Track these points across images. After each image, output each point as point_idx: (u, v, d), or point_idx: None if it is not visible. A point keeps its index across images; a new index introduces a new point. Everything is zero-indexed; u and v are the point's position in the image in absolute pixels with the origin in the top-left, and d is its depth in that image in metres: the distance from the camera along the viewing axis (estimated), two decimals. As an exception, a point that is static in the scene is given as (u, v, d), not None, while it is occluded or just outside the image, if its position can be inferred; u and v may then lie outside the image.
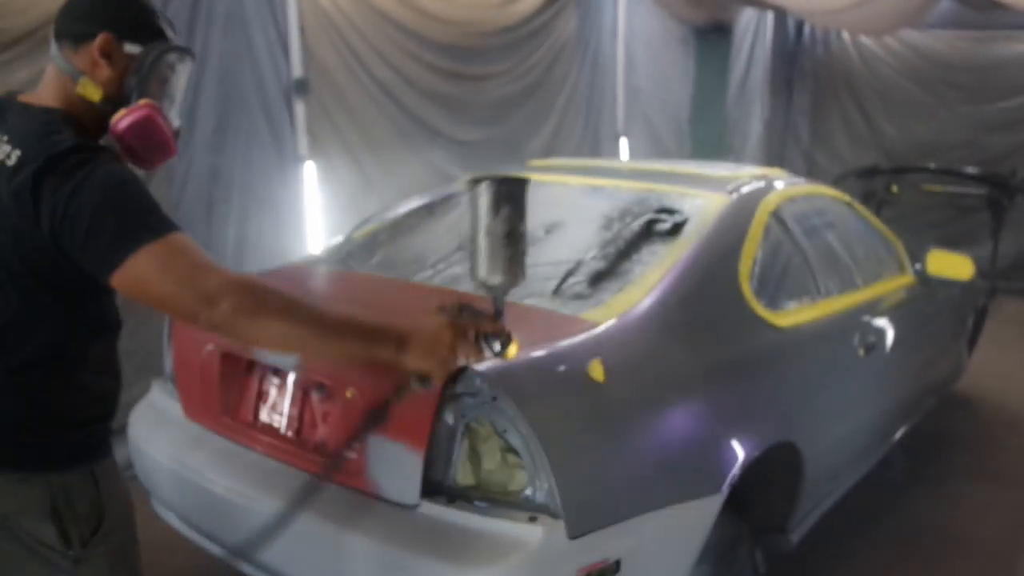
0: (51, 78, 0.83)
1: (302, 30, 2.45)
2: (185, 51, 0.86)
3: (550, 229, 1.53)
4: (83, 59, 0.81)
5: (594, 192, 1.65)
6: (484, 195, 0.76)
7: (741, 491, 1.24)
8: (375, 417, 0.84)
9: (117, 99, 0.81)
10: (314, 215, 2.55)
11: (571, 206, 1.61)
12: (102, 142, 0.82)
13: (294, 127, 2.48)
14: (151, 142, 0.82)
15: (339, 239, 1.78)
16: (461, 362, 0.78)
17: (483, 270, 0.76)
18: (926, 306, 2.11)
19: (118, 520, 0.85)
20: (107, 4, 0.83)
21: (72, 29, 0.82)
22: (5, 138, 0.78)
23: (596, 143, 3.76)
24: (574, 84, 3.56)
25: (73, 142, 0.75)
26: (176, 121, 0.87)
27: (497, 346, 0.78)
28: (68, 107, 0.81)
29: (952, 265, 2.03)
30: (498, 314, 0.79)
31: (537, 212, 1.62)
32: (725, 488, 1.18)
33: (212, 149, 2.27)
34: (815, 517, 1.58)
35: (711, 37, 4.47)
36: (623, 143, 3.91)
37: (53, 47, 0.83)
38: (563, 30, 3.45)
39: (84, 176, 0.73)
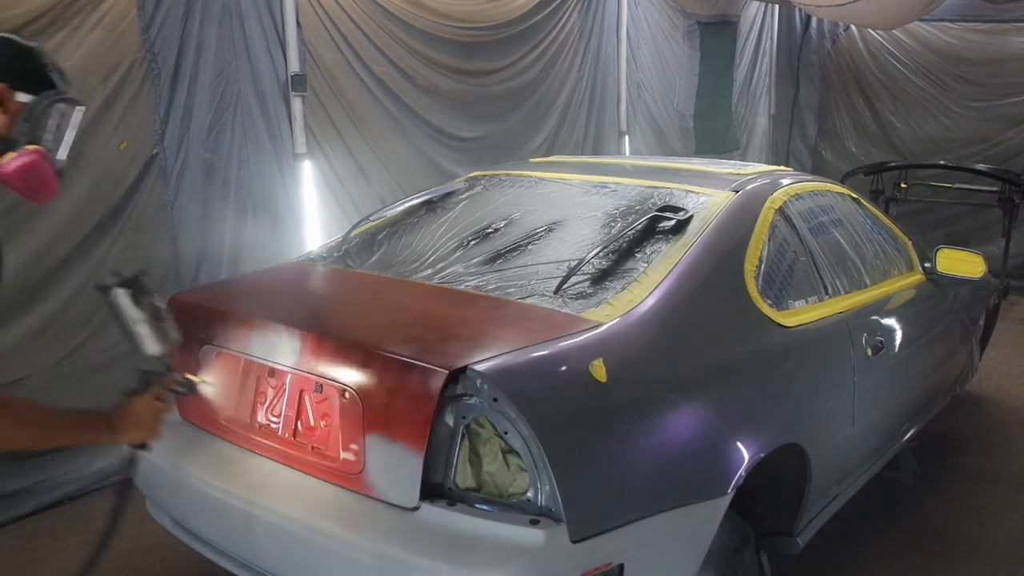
0: None
1: (299, 25, 2.43)
2: (73, 101, 0.94)
3: (551, 227, 1.51)
4: None
5: (596, 190, 1.63)
6: (122, 299, 0.95)
7: (746, 494, 1.22)
8: (119, 493, 1.01)
9: (7, 141, 0.89)
10: (311, 213, 2.54)
11: (573, 204, 1.59)
12: None
13: (291, 124, 2.46)
14: (35, 185, 0.90)
15: (337, 237, 1.77)
16: (163, 419, 1.00)
17: (151, 348, 0.98)
18: (936, 305, 2.08)
19: None
20: (5, 57, 0.91)
21: None
22: None
23: (598, 140, 3.73)
24: (576, 80, 3.53)
25: None
26: (63, 158, 0.95)
27: (182, 389, 1.05)
28: None
29: (963, 263, 1.99)
30: (170, 368, 1.02)
31: (539, 210, 1.63)
32: (730, 491, 1.16)
33: (208, 146, 2.26)
34: (822, 520, 1.55)
35: (716, 31, 4.42)
36: (626, 140, 3.88)
37: None
38: (565, 25, 3.42)
39: None
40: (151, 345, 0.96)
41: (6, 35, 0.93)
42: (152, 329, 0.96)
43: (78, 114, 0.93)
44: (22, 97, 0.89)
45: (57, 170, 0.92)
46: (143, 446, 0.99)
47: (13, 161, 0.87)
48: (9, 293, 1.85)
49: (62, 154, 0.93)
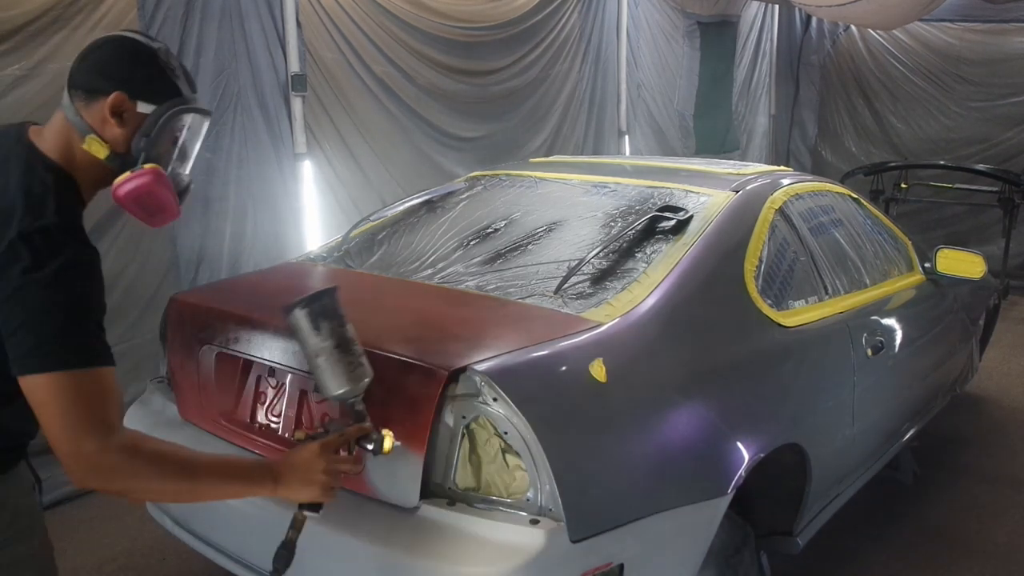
0: (58, 126, 0.81)
1: (299, 25, 2.43)
2: (201, 112, 0.84)
3: (552, 227, 1.51)
4: (93, 115, 0.79)
5: (596, 190, 1.63)
6: (301, 321, 0.78)
7: (746, 493, 1.22)
8: (282, 557, 0.82)
9: (123, 158, 0.80)
10: (311, 213, 2.53)
11: (573, 204, 1.59)
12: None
13: (291, 123, 2.46)
14: (150, 209, 0.81)
15: (337, 237, 1.76)
16: (345, 474, 0.80)
17: (331, 386, 0.78)
18: (936, 305, 2.08)
19: (13, 533, 0.82)
20: (123, 60, 0.80)
21: (85, 82, 0.79)
22: None
23: (599, 140, 3.73)
24: (576, 80, 3.53)
25: (50, 222, 0.73)
26: (187, 177, 0.85)
27: (371, 446, 0.81)
28: (67, 162, 0.79)
29: (963, 263, 1.99)
30: (360, 416, 0.81)
31: (539, 210, 1.63)
32: (730, 490, 1.16)
33: (208, 146, 2.26)
34: (822, 520, 1.55)
35: (716, 31, 4.41)
36: (626, 140, 3.88)
37: (65, 95, 0.80)
38: (565, 25, 3.42)
39: (41, 274, 0.71)
40: (332, 382, 0.77)
41: (127, 33, 0.82)
42: (335, 362, 0.76)
43: (206, 125, 0.83)
44: (143, 107, 0.78)
45: (180, 190, 0.82)
46: (314, 507, 0.79)
47: (128, 183, 0.78)
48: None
49: (185, 171, 0.83)
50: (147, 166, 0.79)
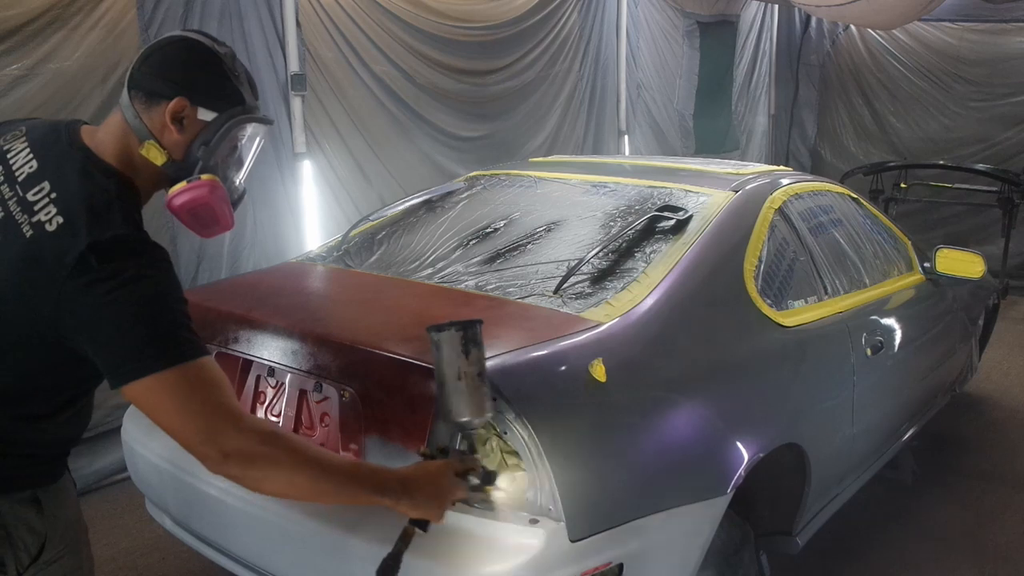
0: (115, 128, 0.78)
1: (299, 25, 2.43)
2: (262, 121, 0.81)
3: (551, 227, 1.50)
4: (153, 119, 0.76)
5: (596, 189, 1.63)
6: (452, 340, 0.79)
7: (746, 493, 1.21)
8: (389, 568, 0.82)
9: (180, 165, 0.77)
10: (311, 212, 2.53)
11: (573, 204, 1.59)
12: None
13: (291, 123, 2.46)
14: (204, 222, 0.79)
15: (336, 237, 1.76)
16: (455, 501, 0.80)
17: (465, 411, 0.79)
18: (935, 305, 2.08)
19: (64, 546, 0.80)
20: (188, 64, 0.77)
21: (147, 83, 0.77)
22: (52, 195, 0.71)
23: (598, 139, 3.73)
24: (576, 80, 3.53)
25: (119, 232, 0.70)
26: (241, 187, 0.83)
27: (476, 481, 0.82)
28: (127, 166, 0.76)
29: (962, 263, 1.99)
30: (471, 448, 0.82)
31: (539, 210, 1.63)
32: (730, 490, 1.16)
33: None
34: (821, 520, 1.55)
35: (716, 31, 4.42)
36: (626, 139, 3.88)
37: (125, 95, 0.78)
38: (565, 25, 3.42)
39: (118, 283, 0.68)
40: (465, 407, 0.78)
41: (191, 35, 0.79)
42: (475, 389, 0.78)
43: (259, 132, 0.80)
44: (204, 114, 0.75)
45: (234, 200, 0.80)
46: (423, 524, 0.78)
47: (183, 193, 0.75)
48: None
49: (240, 181, 0.80)
50: (204, 177, 0.77)
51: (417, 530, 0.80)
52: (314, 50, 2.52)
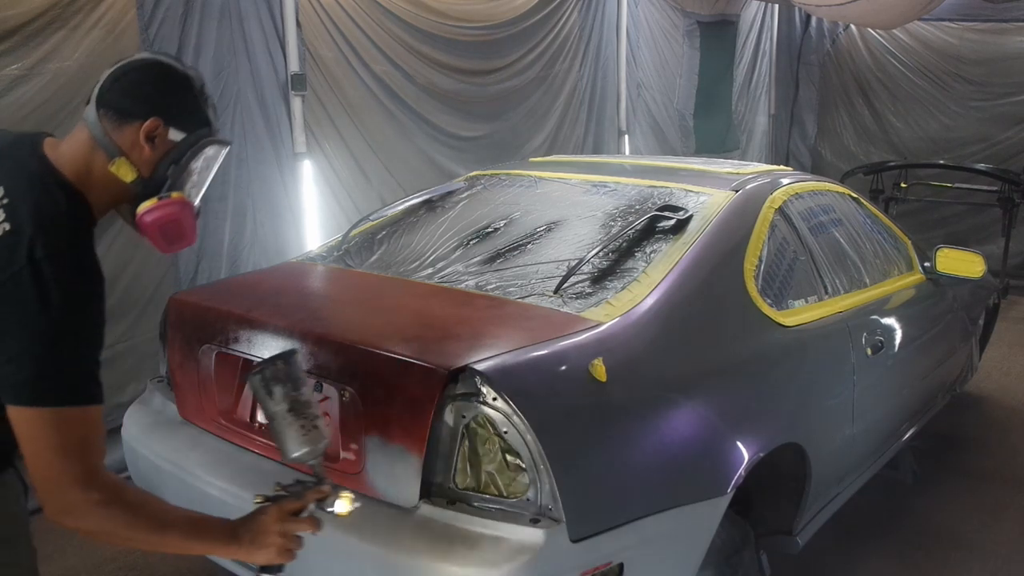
0: (80, 144, 0.79)
1: (299, 24, 2.43)
2: (226, 143, 0.85)
3: (551, 227, 1.50)
4: (124, 137, 0.78)
5: (596, 189, 1.63)
6: (257, 388, 0.80)
7: (746, 493, 1.22)
8: None
9: (148, 183, 0.79)
10: (311, 212, 2.53)
11: (573, 203, 1.59)
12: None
13: (291, 123, 2.46)
14: (171, 237, 0.81)
15: (336, 237, 1.76)
16: (300, 539, 0.81)
17: (289, 449, 0.80)
18: (935, 305, 2.08)
19: None
20: (163, 87, 0.80)
21: (120, 104, 0.78)
22: (4, 200, 0.73)
23: (599, 139, 3.73)
24: (576, 79, 3.53)
25: (60, 250, 0.71)
26: (200, 205, 0.86)
27: (330, 508, 0.82)
28: (82, 180, 0.77)
29: (962, 263, 1.99)
30: (320, 479, 0.83)
31: (539, 209, 1.63)
32: (730, 490, 1.16)
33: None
34: (822, 520, 1.55)
35: (716, 30, 4.41)
36: (626, 139, 3.88)
37: (92, 112, 0.78)
38: (565, 25, 3.42)
39: (44, 305, 0.69)
40: (289, 445, 0.79)
41: (163, 58, 0.81)
42: (290, 427, 0.78)
43: (223, 155, 0.83)
44: (174, 135, 0.78)
45: (195, 218, 0.82)
46: (275, 569, 0.80)
47: (154, 211, 0.77)
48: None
49: (197, 200, 0.83)
50: (175, 195, 0.79)
51: (266, 574, 0.81)
52: (314, 50, 2.52)
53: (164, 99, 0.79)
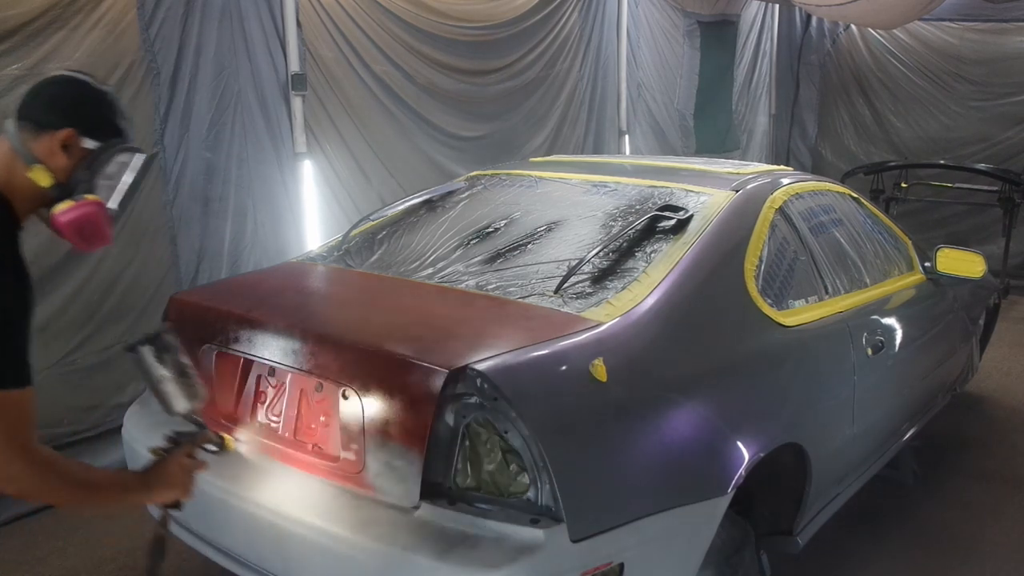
0: (2, 154, 0.86)
1: (299, 24, 2.43)
2: (136, 151, 0.92)
3: (552, 227, 1.50)
4: (41, 146, 0.85)
5: (597, 189, 1.63)
6: (147, 357, 0.94)
7: (747, 493, 1.22)
8: (155, 552, 0.99)
9: (63, 188, 0.87)
10: (311, 212, 2.53)
11: (573, 203, 1.59)
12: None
13: (291, 123, 2.46)
14: (87, 236, 0.89)
15: (337, 237, 1.76)
16: (195, 478, 0.96)
17: (178, 406, 0.95)
18: (936, 305, 2.08)
19: None
20: (78, 100, 0.88)
21: (38, 115, 0.86)
22: None
23: (599, 139, 3.73)
24: (576, 79, 3.53)
25: None
26: (115, 207, 0.93)
27: (213, 448, 0.99)
28: (8, 187, 0.85)
29: (963, 263, 1.99)
30: (201, 426, 0.98)
31: (539, 209, 1.63)
32: (730, 490, 1.16)
33: (208, 146, 2.25)
34: (822, 520, 1.55)
35: (716, 30, 4.41)
36: (626, 139, 3.88)
37: (11, 125, 0.86)
38: (565, 25, 3.42)
39: None
40: (178, 403, 0.94)
41: (79, 75, 0.90)
42: (178, 386, 0.93)
43: (138, 161, 0.91)
44: (88, 143, 0.87)
45: (110, 219, 0.90)
46: (176, 505, 0.95)
47: (69, 211, 0.85)
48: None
49: (114, 203, 0.90)
50: (89, 197, 0.87)
51: (171, 511, 0.97)
52: (314, 50, 2.52)
53: (78, 111, 0.87)
